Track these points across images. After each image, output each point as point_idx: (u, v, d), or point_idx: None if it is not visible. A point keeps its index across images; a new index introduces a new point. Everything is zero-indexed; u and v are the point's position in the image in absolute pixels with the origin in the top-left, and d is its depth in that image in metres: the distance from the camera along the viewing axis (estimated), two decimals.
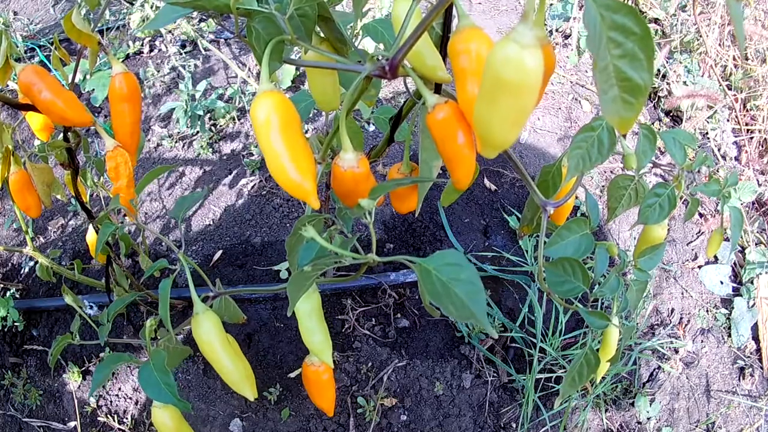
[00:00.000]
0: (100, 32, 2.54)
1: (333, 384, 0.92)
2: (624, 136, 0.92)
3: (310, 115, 2.31)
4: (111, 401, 1.72)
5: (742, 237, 2.06)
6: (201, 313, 0.81)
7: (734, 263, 2.03)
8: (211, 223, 2.03)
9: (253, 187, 2.10)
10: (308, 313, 0.77)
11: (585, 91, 2.49)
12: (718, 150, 2.29)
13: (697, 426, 1.74)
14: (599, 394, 1.73)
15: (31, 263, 1.94)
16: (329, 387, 0.91)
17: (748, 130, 2.32)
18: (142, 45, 2.56)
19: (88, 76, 2.32)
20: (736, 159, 2.30)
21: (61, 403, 1.73)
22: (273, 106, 0.56)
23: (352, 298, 1.84)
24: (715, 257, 2.05)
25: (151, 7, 2.37)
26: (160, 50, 2.56)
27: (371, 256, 0.61)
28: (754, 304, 1.91)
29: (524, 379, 1.71)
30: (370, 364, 1.74)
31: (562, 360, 1.72)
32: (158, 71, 2.43)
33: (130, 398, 1.72)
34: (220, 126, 2.28)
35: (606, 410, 1.73)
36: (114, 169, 0.99)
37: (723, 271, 2.01)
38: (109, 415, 1.69)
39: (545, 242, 0.77)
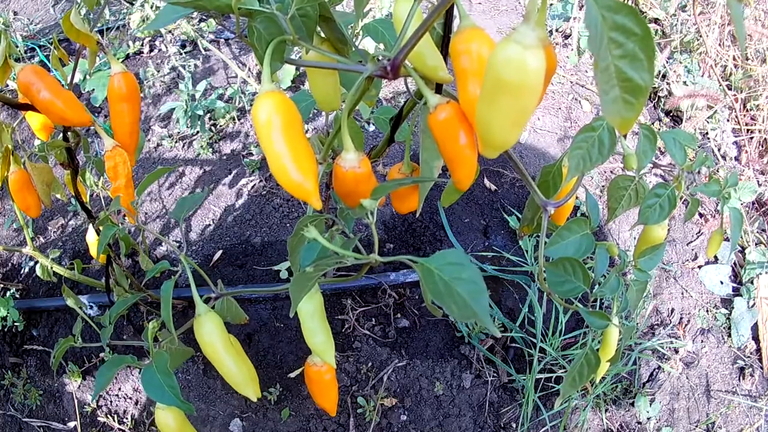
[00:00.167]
0: (100, 32, 2.54)
1: (335, 384, 0.92)
2: (624, 136, 0.92)
3: (310, 115, 2.31)
4: (111, 401, 1.72)
5: (742, 237, 2.06)
6: (203, 314, 0.81)
7: (734, 263, 2.03)
8: (211, 223, 2.03)
9: (253, 187, 2.10)
10: (311, 314, 0.77)
11: (585, 91, 2.49)
12: (718, 150, 2.29)
13: (697, 426, 1.74)
14: (599, 394, 1.73)
15: (31, 263, 1.94)
16: (332, 387, 0.91)
17: (748, 130, 2.32)
18: (142, 45, 2.56)
19: (87, 76, 2.32)
20: (736, 159, 2.30)
21: (61, 403, 1.73)
22: (275, 106, 0.56)
23: (352, 298, 1.84)
24: (715, 257, 2.05)
25: (151, 7, 2.37)
26: (160, 50, 2.56)
27: (374, 256, 0.61)
28: (754, 304, 1.91)
29: (524, 379, 1.71)
30: (370, 364, 1.74)
31: (562, 360, 1.72)
32: (158, 71, 2.43)
33: (130, 398, 1.72)
34: (220, 126, 2.28)
35: (606, 410, 1.73)
36: (113, 169, 0.99)
37: (723, 271, 2.01)
38: (109, 415, 1.69)
39: (546, 242, 0.77)
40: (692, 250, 2.08)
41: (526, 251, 1.90)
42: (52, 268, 1.51)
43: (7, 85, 2.27)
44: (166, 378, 0.75)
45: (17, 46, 2.46)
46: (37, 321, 1.85)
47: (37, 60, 2.51)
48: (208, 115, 2.29)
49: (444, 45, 0.64)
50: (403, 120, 0.82)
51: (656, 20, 2.64)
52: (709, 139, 2.30)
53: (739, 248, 2.05)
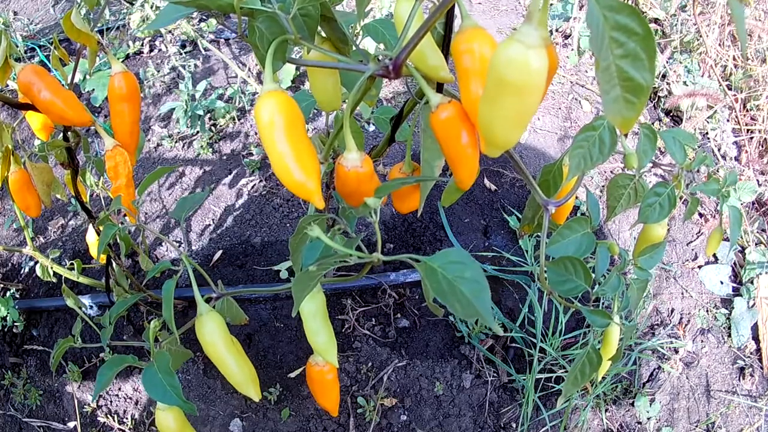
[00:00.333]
0: (100, 32, 2.54)
1: (337, 384, 0.92)
2: (625, 135, 0.92)
3: (311, 115, 2.31)
4: (111, 401, 1.72)
5: (742, 237, 2.07)
6: (205, 314, 0.81)
7: (734, 263, 2.03)
8: (211, 223, 2.03)
9: (253, 187, 2.10)
10: (313, 314, 0.77)
11: (585, 91, 2.49)
12: (718, 150, 2.30)
13: (697, 426, 1.74)
14: (599, 394, 1.73)
15: (31, 263, 1.94)
16: (333, 387, 0.91)
17: (748, 130, 2.32)
18: (142, 45, 2.56)
19: (88, 76, 2.32)
20: (736, 159, 2.30)
21: (61, 403, 1.73)
22: (277, 106, 0.56)
23: (352, 298, 1.84)
24: (715, 257, 2.05)
25: (151, 7, 2.37)
26: (160, 50, 2.56)
27: (376, 255, 0.61)
28: (754, 304, 1.91)
29: (524, 379, 1.71)
30: (370, 364, 1.74)
31: (562, 360, 1.73)
32: (158, 71, 2.43)
33: (130, 398, 1.72)
34: (220, 126, 2.28)
35: (606, 410, 1.73)
36: (113, 169, 0.99)
37: (723, 271, 2.01)
38: (109, 416, 1.69)
39: (547, 241, 0.77)
40: (692, 250, 2.08)
41: (526, 251, 1.90)
42: (52, 268, 1.51)
43: (8, 85, 2.27)
44: (168, 378, 0.75)
45: (17, 46, 2.46)
46: (37, 321, 1.85)
47: (37, 60, 2.50)
48: (208, 115, 2.29)
49: (445, 45, 0.65)
50: (404, 120, 0.82)
51: (656, 20, 2.64)
52: (709, 139, 2.30)
53: (739, 248, 2.06)
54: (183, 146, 2.24)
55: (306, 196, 0.58)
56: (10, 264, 1.99)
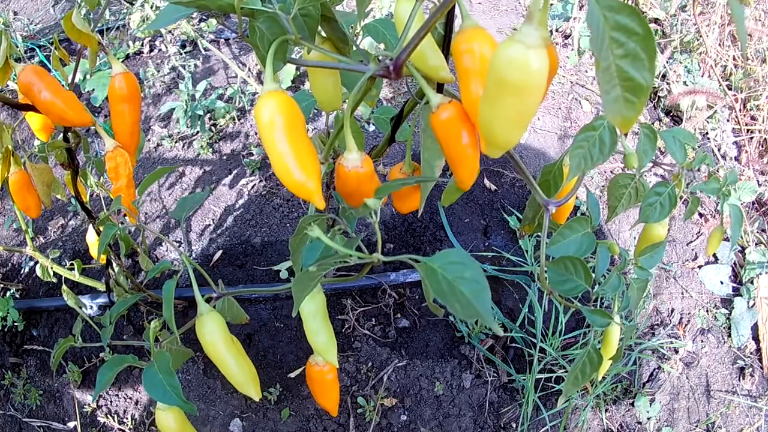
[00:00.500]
0: (100, 32, 2.54)
1: (337, 384, 0.92)
2: (625, 135, 0.93)
3: (311, 115, 2.31)
4: (111, 401, 1.72)
5: (742, 237, 2.07)
6: (206, 313, 0.81)
7: (734, 263, 2.04)
8: (211, 223, 2.03)
9: (253, 187, 2.10)
10: (313, 314, 0.77)
11: (585, 91, 2.49)
12: (718, 150, 2.30)
13: (697, 426, 1.74)
14: (599, 394, 1.73)
15: (31, 263, 1.94)
16: (333, 387, 0.91)
17: (748, 130, 2.32)
18: (142, 45, 2.56)
19: (88, 76, 2.32)
20: (736, 159, 2.31)
21: (61, 403, 1.73)
22: (277, 106, 0.56)
23: (352, 298, 1.84)
24: (715, 257, 2.05)
25: (151, 7, 2.37)
26: (160, 50, 2.56)
27: (377, 256, 0.61)
28: (754, 304, 1.92)
29: (524, 379, 1.71)
30: (370, 364, 1.74)
31: (562, 360, 1.73)
32: (158, 71, 2.43)
33: (130, 398, 1.72)
34: (220, 126, 2.28)
35: (606, 410, 1.73)
36: (114, 170, 0.99)
37: (723, 271, 2.01)
38: (109, 416, 1.69)
39: (547, 241, 0.77)
40: (692, 250, 2.08)
41: (526, 251, 1.90)
42: (52, 268, 1.51)
43: (8, 86, 2.27)
44: (168, 378, 0.75)
45: (17, 46, 2.46)
46: (37, 321, 1.85)
47: (37, 60, 2.50)
48: (208, 115, 2.29)
49: (445, 45, 0.65)
50: (404, 120, 0.82)
51: (656, 20, 2.64)
52: (709, 139, 2.30)
53: (739, 248, 2.06)
54: (183, 146, 2.24)
55: (306, 196, 0.58)
56: (10, 264, 1.99)
